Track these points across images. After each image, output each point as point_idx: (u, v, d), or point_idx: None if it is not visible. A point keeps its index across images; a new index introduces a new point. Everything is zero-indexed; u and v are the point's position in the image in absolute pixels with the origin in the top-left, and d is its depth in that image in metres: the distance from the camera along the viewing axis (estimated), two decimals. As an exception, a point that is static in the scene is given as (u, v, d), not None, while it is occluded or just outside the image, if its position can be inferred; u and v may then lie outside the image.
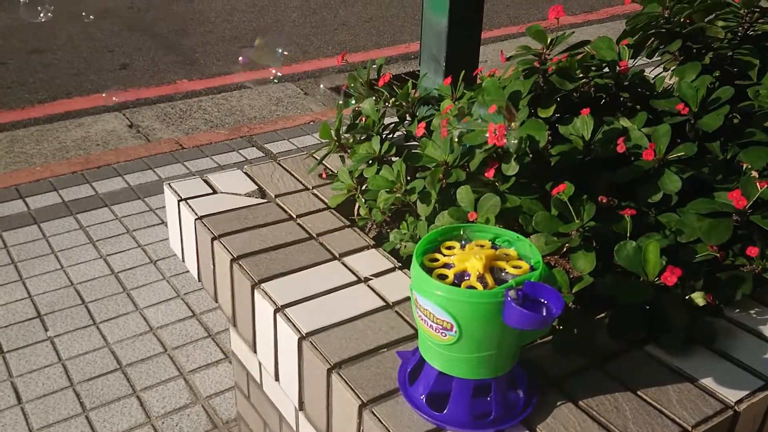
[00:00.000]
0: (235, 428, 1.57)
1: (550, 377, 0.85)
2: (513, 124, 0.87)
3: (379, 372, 0.84)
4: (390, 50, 4.39)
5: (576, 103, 1.22)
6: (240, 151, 2.92)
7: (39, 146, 3.19)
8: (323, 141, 1.26)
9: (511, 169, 0.98)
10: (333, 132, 1.21)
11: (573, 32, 1.14)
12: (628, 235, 0.96)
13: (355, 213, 1.18)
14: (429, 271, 0.73)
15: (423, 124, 1.09)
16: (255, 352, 1.04)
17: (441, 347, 0.74)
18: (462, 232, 0.78)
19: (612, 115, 1.15)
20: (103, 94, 3.63)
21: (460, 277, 0.74)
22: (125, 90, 3.80)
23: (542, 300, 0.70)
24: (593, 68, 1.21)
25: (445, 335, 0.72)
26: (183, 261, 1.23)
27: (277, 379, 0.99)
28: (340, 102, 1.27)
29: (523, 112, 0.99)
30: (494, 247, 0.77)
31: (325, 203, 1.19)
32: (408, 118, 1.29)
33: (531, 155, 1.05)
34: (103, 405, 1.64)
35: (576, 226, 0.94)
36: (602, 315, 0.96)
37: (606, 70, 1.22)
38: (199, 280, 1.18)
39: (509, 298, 0.68)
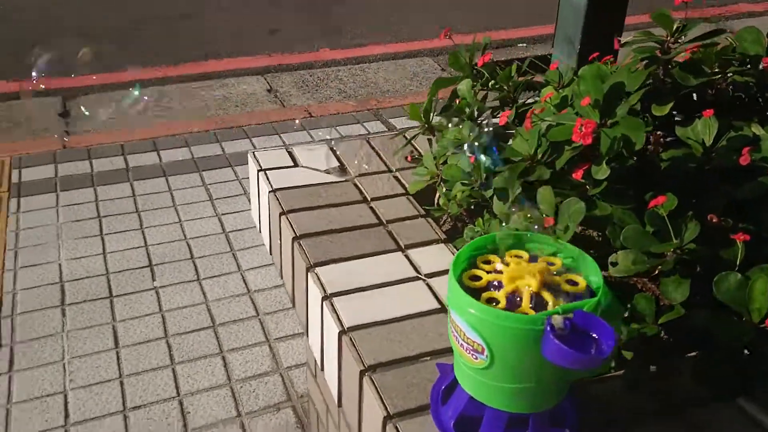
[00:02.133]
0: (306, 404, 1.55)
1: (613, 418, 0.73)
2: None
3: (414, 383, 0.77)
4: (535, 30, 4.18)
5: (709, 103, 1.05)
6: (365, 123, 2.89)
7: (183, 103, 3.34)
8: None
9: (602, 172, 0.85)
10: (422, 112, 1.12)
11: (703, 21, 0.97)
12: (738, 264, 0.81)
13: (435, 203, 1.10)
14: (471, 290, 0.64)
15: (507, 112, 0.98)
16: (307, 336, 0.99)
17: (473, 370, 0.65)
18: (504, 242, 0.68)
19: (747, 120, 0.98)
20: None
21: (513, 301, 0.63)
22: (270, 55, 3.90)
23: (593, 335, 0.59)
24: (734, 63, 1.04)
25: (477, 358, 0.63)
26: (260, 232, 1.21)
27: (322, 369, 0.94)
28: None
29: (623, 108, 0.86)
30: (533, 259, 0.67)
31: (405, 188, 1.12)
32: (510, 103, 1.18)
33: (635, 158, 0.91)
34: (190, 360, 1.68)
35: (673, 247, 0.80)
36: (692, 354, 0.82)
37: (748, 66, 1.04)
38: (270, 254, 1.15)
39: (549, 328, 0.58)
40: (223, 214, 2.29)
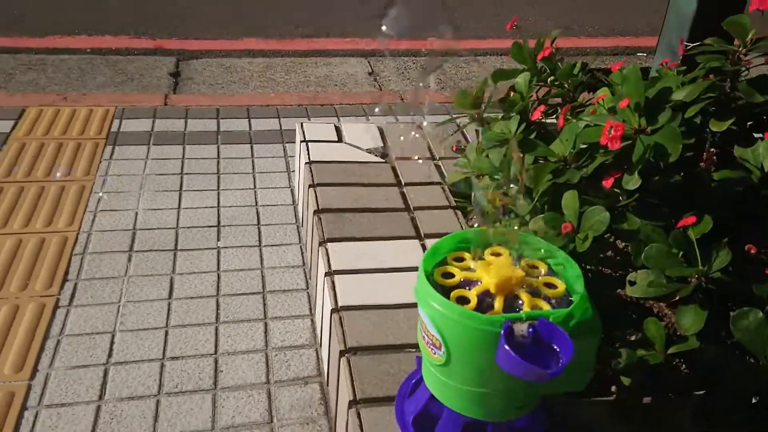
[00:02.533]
0: (334, 383, 1.55)
1: (590, 446, 0.67)
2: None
3: (390, 372, 0.74)
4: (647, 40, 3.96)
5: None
6: (454, 114, 2.85)
7: (287, 76, 3.42)
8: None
9: (633, 182, 0.78)
10: (471, 101, 1.08)
11: (781, 30, 0.87)
12: (769, 303, 0.72)
13: (472, 197, 1.06)
14: (444, 287, 0.61)
15: (542, 107, 0.92)
16: (313, 311, 0.98)
17: (433, 366, 0.62)
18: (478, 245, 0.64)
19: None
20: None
21: (484, 298, 0.60)
22: (377, 39, 3.91)
23: (555, 347, 0.54)
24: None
25: (435, 353, 0.60)
26: (296, 202, 1.21)
27: (320, 345, 0.93)
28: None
29: (665, 115, 0.78)
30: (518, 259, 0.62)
31: (444, 178, 1.08)
32: (569, 102, 1.11)
33: (682, 174, 0.84)
34: (234, 322, 1.71)
35: (695, 272, 0.73)
36: (701, 393, 0.74)
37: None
38: (301, 225, 1.15)
39: (503, 332, 0.54)
40: (295, 187, 2.33)
